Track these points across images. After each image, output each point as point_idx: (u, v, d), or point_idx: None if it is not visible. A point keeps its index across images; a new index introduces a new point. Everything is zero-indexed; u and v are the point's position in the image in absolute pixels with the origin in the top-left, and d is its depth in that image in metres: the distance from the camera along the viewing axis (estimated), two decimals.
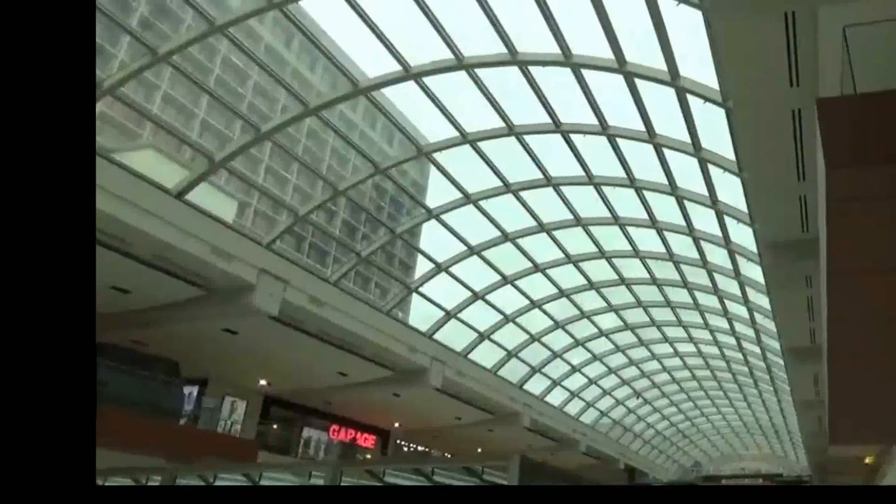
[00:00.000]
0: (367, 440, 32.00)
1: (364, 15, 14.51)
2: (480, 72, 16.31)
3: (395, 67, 16.09)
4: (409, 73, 16.08)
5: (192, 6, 14.48)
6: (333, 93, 18.56)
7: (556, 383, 36.48)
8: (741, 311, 27.30)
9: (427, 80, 16.48)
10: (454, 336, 28.02)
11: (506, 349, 31.34)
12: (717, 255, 23.09)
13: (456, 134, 18.65)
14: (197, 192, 16.80)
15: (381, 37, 15.03)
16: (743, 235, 19.75)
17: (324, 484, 6.54)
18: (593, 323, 32.98)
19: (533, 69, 16.06)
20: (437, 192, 23.89)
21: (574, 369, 36.51)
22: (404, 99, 17.68)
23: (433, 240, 26.00)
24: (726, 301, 27.17)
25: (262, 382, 25.02)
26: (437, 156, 19.72)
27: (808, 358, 19.26)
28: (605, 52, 14.54)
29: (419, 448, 35.60)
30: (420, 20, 14.60)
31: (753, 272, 21.80)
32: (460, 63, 15.79)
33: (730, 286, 25.38)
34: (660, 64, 14.08)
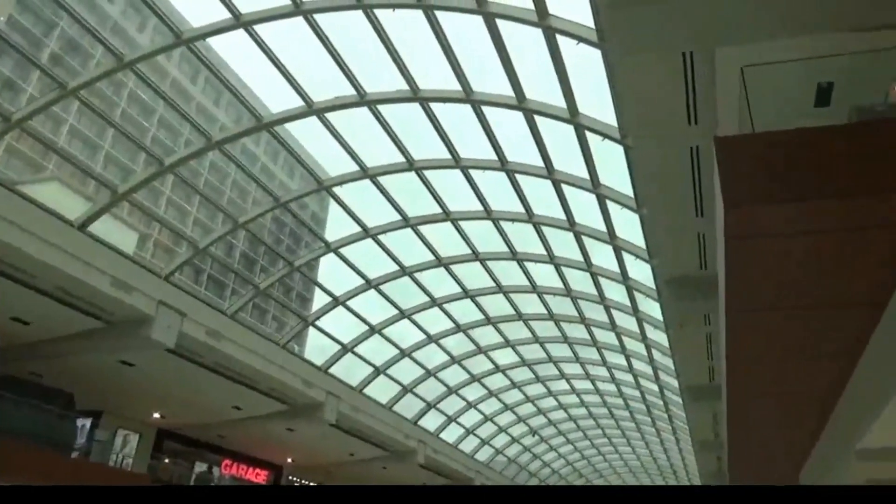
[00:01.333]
0: (259, 475, 31.28)
1: (269, 51, 14.86)
2: (382, 108, 16.66)
3: (299, 103, 16.41)
4: (312, 109, 16.41)
5: (102, 43, 15.14)
6: (237, 127, 19.07)
7: (451, 420, 36.38)
8: (639, 347, 27.85)
9: (329, 115, 16.86)
10: (350, 370, 28.03)
11: (401, 384, 31.19)
12: (616, 292, 23.62)
13: (357, 168, 18.91)
14: (99, 223, 16.99)
15: (285, 73, 15.46)
16: (641, 272, 20.29)
17: None
18: (490, 359, 33.12)
19: (434, 105, 16.37)
20: (337, 226, 24.24)
21: (470, 405, 36.54)
22: (307, 133, 18.51)
23: (331, 273, 26.15)
24: (624, 338, 27.70)
25: (156, 415, 24.35)
26: (338, 190, 19.94)
27: (707, 397, 19.79)
28: (506, 90, 14.86)
29: (311, 484, 34.83)
30: (324, 57, 14.99)
31: (652, 309, 22.39)
32: (362, 99, 16.12)
33: (628, 323, 25.89)
34: (559, 101, 14.40)
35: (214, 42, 15.18)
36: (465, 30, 13.95)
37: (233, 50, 16.29)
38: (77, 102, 17.79)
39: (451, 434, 37.58)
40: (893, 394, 7.63)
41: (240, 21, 14.16)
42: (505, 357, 33.69)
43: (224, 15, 14.16)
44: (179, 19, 16.31)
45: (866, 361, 8.74)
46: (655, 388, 31.98)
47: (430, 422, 35.12)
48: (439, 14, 13.66)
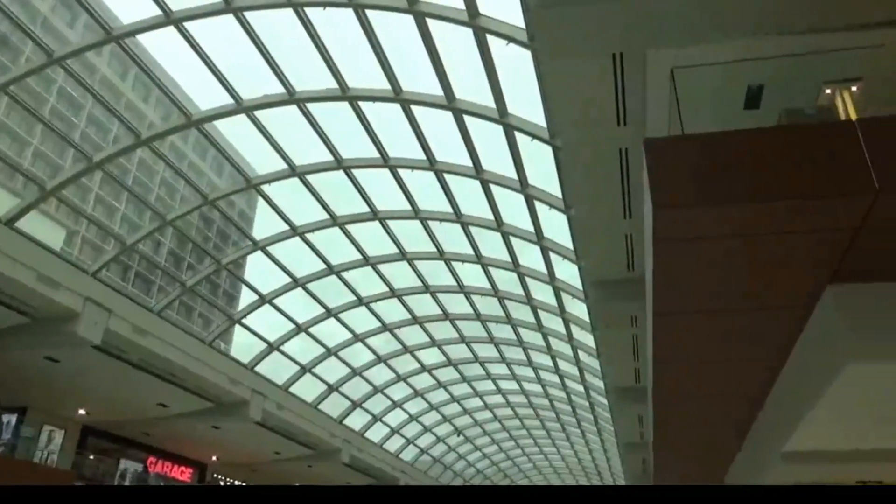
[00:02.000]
0: (184, 473, 30.64)
1: (199, 49, 14.74)
2: (312, 106, 16.61)
3: (228, 100, 16.33)
4: (241, 107, 16.37)
5: (32, 39, 15.36)
6: (166, 124, 18.91)
7: (376, 419, 36.25)
8: (565, 348, 28.04)
9: (258, 113, 16.81)
10: (276, 369, 27.78)
11: (327, 383, 31.00)
12: (543, 292, 23.75)
13: (285, 166, 18.86)
14: (27, 220, 16.83)
15: (214, 70, 15.41)
16: (569, 272, 20.41)
17: None
18: (416, 358, 33.07)
19: (363, 104, 16.31)
20: (265, 224, 24.08)
21: (395, 405, 36.47)
22: (236, 131, 18.53)
23: (259, 271, 26.12)
24: (550, 338, 27.86)
25: (82, 412, 23.72)
26: (266, 188, 19.84)
27: (633, 399, 20.02)
28: (436, 89, 14.81)
29: (236, 482, 34.25)
30: (254, 55, 14.94)
31: (579, 310, 22.54)
32: (292, 98, 16.06)
33: (554, 323, 26.06)
34: (489, 101, 14.38)
35: (144, 39, 15.20)
36: (396, 28, 13.89)
37: (163, 47, 16.30)
38: (6, 98, 17.46)
39: (376, 433, 37.49)
40: (819, 397, 7.73)
41: (170, 18, 14.00)
42: (431, 357, 33.66)
43: (155, 12, 14.00)
44: (110, 16, 16.04)
45: (792, 365, 8.86)
46: (581, 388, 32.21)
47: (356, 421, 35.06)
48: (370, 13, 13.58)
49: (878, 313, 6.91)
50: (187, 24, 14.30)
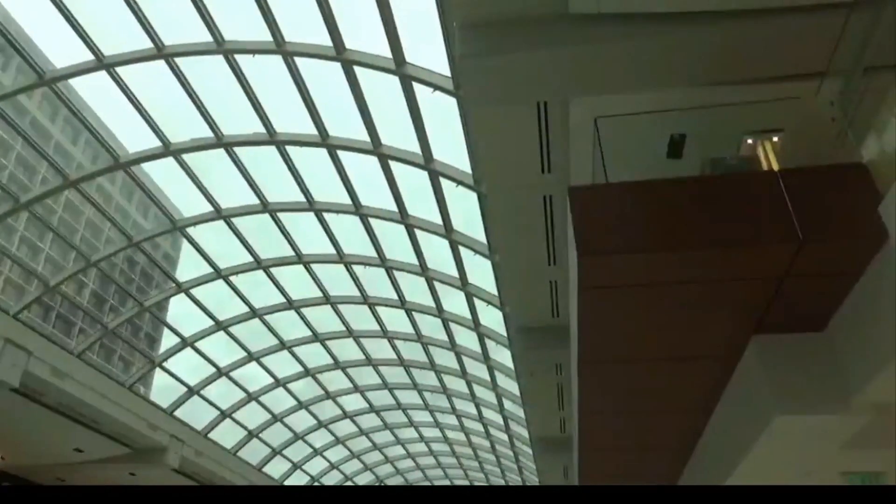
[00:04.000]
0: None
1: (129, 93, 14.76)
2: (239, 150, 16.56)
3: (156, 143, 16.23)
4: (169, 150, 16.30)
5: None
6: (94, 166, 18.74)
7: (296, 466, 35.19)
8: (490, 396, 27.75)
9: (186, 156, 16.73)
10: (196, 413, 26.85)
11: (247, 429, 30.04)
12: (467, 338, 23.56)
13: (211, 209, 18.69)
14: None
15: (143, 114, 15.38)
16: (494, 319, 20.30)
17: None
18: (338, 404, 32.35)
19: (290, 149, 16.25)
20: (189, 266, 23.55)
21: (316, 452, 35.52)
22: (163, 174, 18.48)
23: (182, 314, 25.41)
24: (475, 385, 27.57)
25: None
26: (191, 230, 19.62)
27: (558, 448, 19.83)
28: (362, 135, 14.83)
29: None
30: (183, 99, 14.91)
31: (503, 356, 22.40)
32: (220, 141, 16.01)
33: (479, 370, 25.79)
34: (415, 147, 14.36)
35: (75, 81, 14.99)
36: (323, 74, 13.89)
37: (93, 89, 16.13)
38: None
39: (297, 481, 36.36)
40: (748, 449, 7.67)
41: (102, 63, 13.94)
42: (353, 403, 32.99)
43: (87, 56, 13.89)
44: (43, 59, 15.73)
45: (719, 418, 8.81)
46: (505, 437, 31.87)
47: (276, 468, 33.98)
48: (298, 60, 13.59)
49: (802, 364, 6.92)
50: (119, 69, 14.24)
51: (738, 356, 7.60)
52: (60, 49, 15.06)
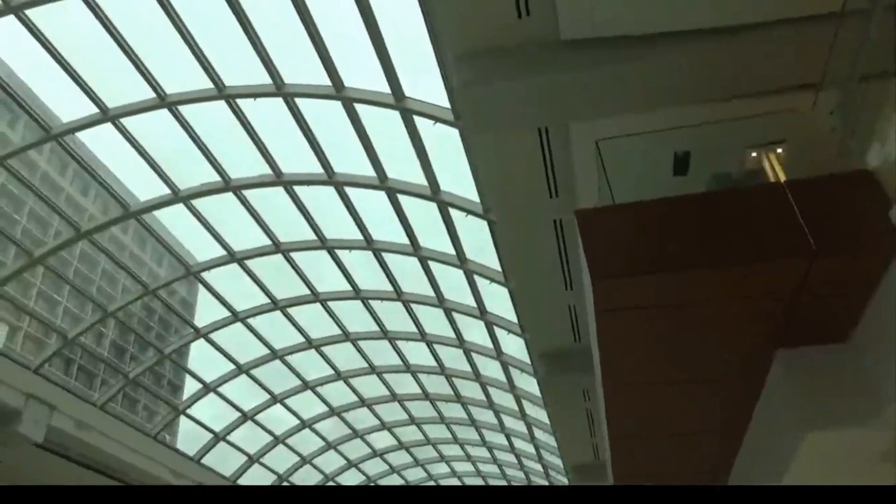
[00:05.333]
0: None
1: (135, 142, 14.99)
2: (247, 192, 16.76)
3: (165, 191, 16.41)
4: (178, 196, 16.49)
5: None
6: (105, 216, 19.29)
7: None
8: (519, 425, 27.49)
9: (195, 201, 16.91)
10: (223, 459, 26.78)
11: (276, 473, 29.77)
12: (491, 368, 23.44)
13: (224, 253, 18.86)
14: None
15: (151, 162, 15.58)
16: (516, 346, 20.21)
17: None
18: (366, 442, 32.12)
19: (298, 188, 16.41)
20: (207, 310, 23.69)
21: None
22: (174, 220, 18.61)
23: (202, 359, 25.36)
24: (503, 416, 27.32)
25: None
26: (206, 275, 19.78)
27: (594, 476, 19.56)
28: (368, 170, 15.00)
29: None
30: (188, 145, 15.10)
31: (529, 385, 22.24)
32: (227, 185, 16.21)
33: (505, 400, 25.62)
34: (421, 179, 14.48)
35: (82, 134, 15.14)
36: (324, 113, 14.08)
37: (100, 141, 16.34)
38: None
39: None
40: (785, 471, 7.53)
41: (107, 115, 14.18)
42: (382, 440, 32.78)
43: (92, 109, 14.14)
44: (49, 114, 16.25)
45: (753, 436, 8.65)
46: (539, 467, 31.56)
47: None
48: (299, 101, 13.81)
49: (830, 377, 6.82)
50: (124, 120, 14.49)
51: (763, 373, 7.50)
52: (65, 102, 15.44)
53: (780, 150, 6.81)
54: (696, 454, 9.82)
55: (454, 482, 38.00)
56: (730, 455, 9.59)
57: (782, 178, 6.60)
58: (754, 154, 6.93)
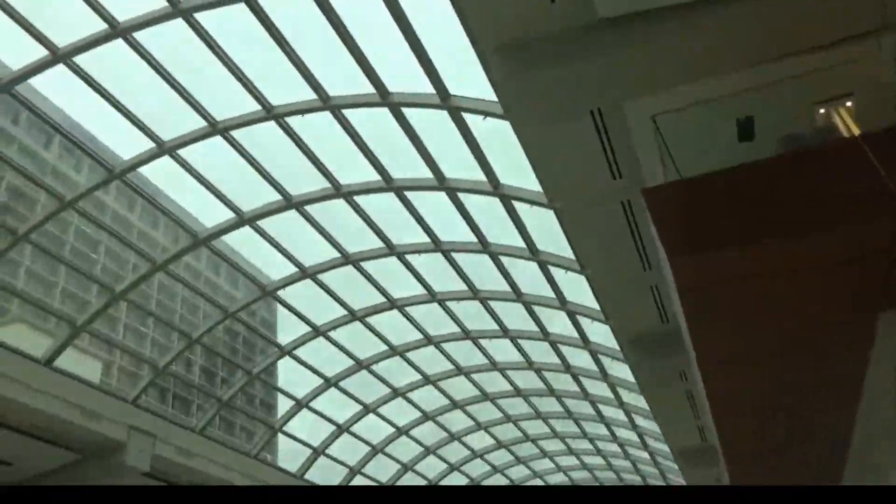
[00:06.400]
0: None
1: (194, 171, 15.55)
2: (309, 207, 17.05)
3: (230, 215, 16.98)
4: (244, 219, 16.97)
5: (44, 188, 17.26)
6: (176, 246, 19.60)
7: None
8: (618, 414, 27.17)
9: (261, 222, 17.36)
10: (326, 473, 27.33)
11: (378, 482, 30.16)
12: (580, 358, 23.19)
13: (295, 270, 19.22)
14: (64, 357, 17.62)
15: (211, 189, 16.14)
16: (602, 333, 19.92)
17: None
18: (464, 444, 32.12)
19: (358, 198, 16.65)
20: (288, 328, 24.31)
21: None
22: (243, 242, 19.33)
23: (291, 376, 26.06)
24: (600, 405, 27.03)
25: None
26: (282, 293, 20.20)
27: (703, 460, 19.10)
28: (425, 172, 15.05)
29: None
30: (245, 168, 15.61)
31: (623, 372, 21.85)
32: (289, 203, 16.59)
33: (600, 389, 25.34)
34: (479, 175, 14.44)
35: (145, 169, 15.79)
36: (372, 120, 14.23)
37: (161, 173, 16.88)
38: (29, 245, 18.85)
39: None
40: None
41: (163, 148, 14.68)
42: (480, 441, 32.71)
43: (149, 144, 14.72)
44: (110, 154, 17.22)
45: (868, 406, 8.28)
46: (646, 455, 31.11)
47: None
48: (346, 111, 14.01)
49: None
50: (180, 151, 14.98)
51: (869, 338, 7.14)
52: (124, 140, 15.92)
53: (849, 104, 6.48)
54: (809, 428, 9.46)
55: (560, 478, 37.72)
56: (846, 427, 9.19)
57: (856, 131, 6.28)
58: (822, 111, 6.62)
